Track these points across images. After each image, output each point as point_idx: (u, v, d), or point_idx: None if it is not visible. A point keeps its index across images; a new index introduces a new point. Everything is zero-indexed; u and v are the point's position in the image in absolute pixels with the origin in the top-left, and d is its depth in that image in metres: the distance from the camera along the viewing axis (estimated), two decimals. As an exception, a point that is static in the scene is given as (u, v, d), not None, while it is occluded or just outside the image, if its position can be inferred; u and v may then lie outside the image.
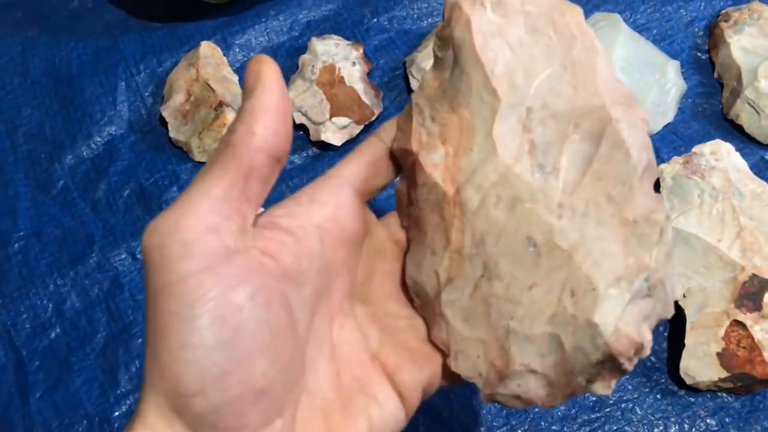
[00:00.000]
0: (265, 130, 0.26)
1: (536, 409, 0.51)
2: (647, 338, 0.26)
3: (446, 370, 0.31)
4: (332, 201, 0.30)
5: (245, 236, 0.27)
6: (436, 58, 0.30)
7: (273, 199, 0.59)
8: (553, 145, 0.28)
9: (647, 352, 0.27)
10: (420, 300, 0.32)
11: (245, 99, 0.27)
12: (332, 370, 0.30)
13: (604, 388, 0.27)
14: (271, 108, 0.26)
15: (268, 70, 0.26)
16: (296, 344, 0.27)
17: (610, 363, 0.26)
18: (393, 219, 0.33)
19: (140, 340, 0.55)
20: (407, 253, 0.32)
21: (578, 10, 0.30)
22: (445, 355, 0.31)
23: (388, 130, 0.32)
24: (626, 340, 0.26)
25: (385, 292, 0.33)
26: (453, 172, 0.29)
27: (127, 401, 0.53)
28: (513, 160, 0.28)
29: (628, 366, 0.27)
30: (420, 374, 0.31)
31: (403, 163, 0.31)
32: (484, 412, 0.51)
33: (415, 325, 0.32)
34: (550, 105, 0.28)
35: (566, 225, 0.27)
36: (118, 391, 0.53)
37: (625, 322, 0.26)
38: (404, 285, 0.32)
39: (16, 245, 0.59)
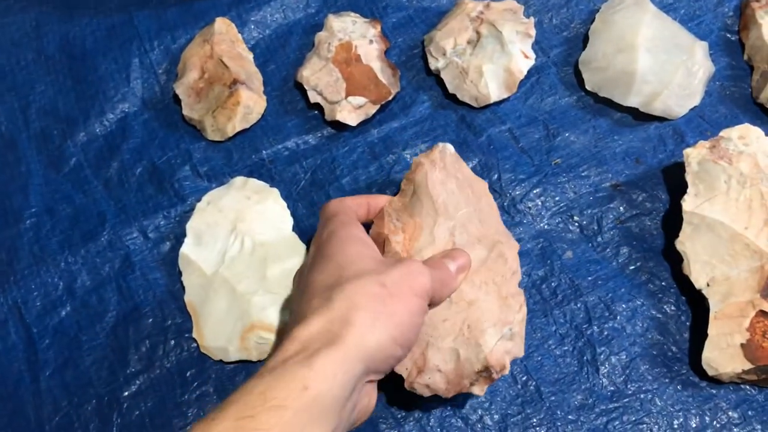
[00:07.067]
0: None
1: (552, 398, 0.49)
2: (507, 364, 0.45)
3: None
4: None
5: None
6: (403, 190, 0.50)
7: (286, 180, 0.58)
8: (465, 246, 0.48)
9: (506, 372, 0.45)
10: None
11: None
12: None
13: (479, 390, 0.45)
14: None
15: None
16: None
17: (485, 372, 0.45)
18: None
19: (150, 320, 0.54)
20: None
21: (485, 183, 0.52)
22: None
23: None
24: (496, 359, 0.45)
25: None
26: (408, 249, 0.47)
27: (137, 381, 0.52)
28: (443, 249, 0.47)
29: (495, 376, 0.45)
30: None
31: (376, 240, 0.47)
32: (499, 399, 0.50)
33: None
34: (466, 227, 0.49)
35: (468, 289, 0.46)
36: (128, 371, 0.52)
37: (496, 349, 0.45)
38: None
39: (27, 222, 0.58)
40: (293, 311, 0.43)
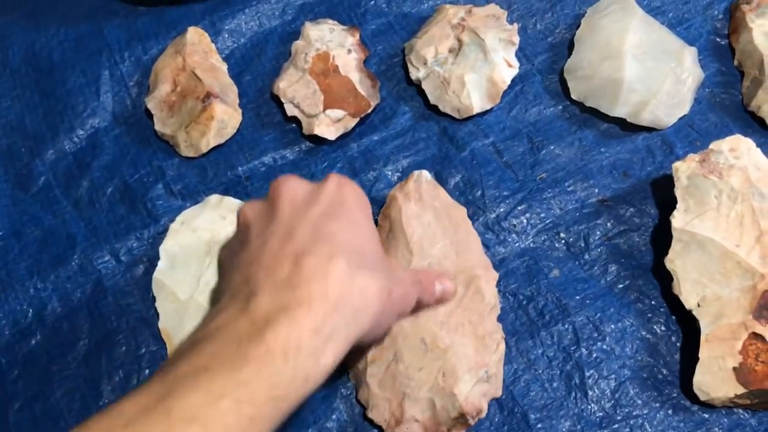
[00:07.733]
0: None
1: (539, 425, 0.48)
2: (484, 407, 0.46)
3: (364, 417, 0.48)
4: None
5: None
6: (380, 226, 0.50)
7: (262, 194, 0.56)
8: None
9: (483, 415, 0.46)
10: (353, 372, 0.49)
11: None
12: None
13: None
14: None
15: None
16: None
17: (462, 419, 0.45)
18: None
19: (124, 348, 0.52)
20: None
21: (463, 210, 0.51)
22: (364, 407, 0.48)
23: None
24: (472, 405, 0.45)
25: None
26: None
27: (110, 413, 0.50)
28: None
29: (471, 422, 0.46)
30: None
31: None
32: (484, 428, 0.48)
33: None
34: (442, 264, 0.48)
35: (444, 334, 0.46)
36: (101, 403, 0.51)
37: (472, 395, 0.45)
38: None
39: (-6, 246, 0.56)
40: (287, 233, 0.40)
